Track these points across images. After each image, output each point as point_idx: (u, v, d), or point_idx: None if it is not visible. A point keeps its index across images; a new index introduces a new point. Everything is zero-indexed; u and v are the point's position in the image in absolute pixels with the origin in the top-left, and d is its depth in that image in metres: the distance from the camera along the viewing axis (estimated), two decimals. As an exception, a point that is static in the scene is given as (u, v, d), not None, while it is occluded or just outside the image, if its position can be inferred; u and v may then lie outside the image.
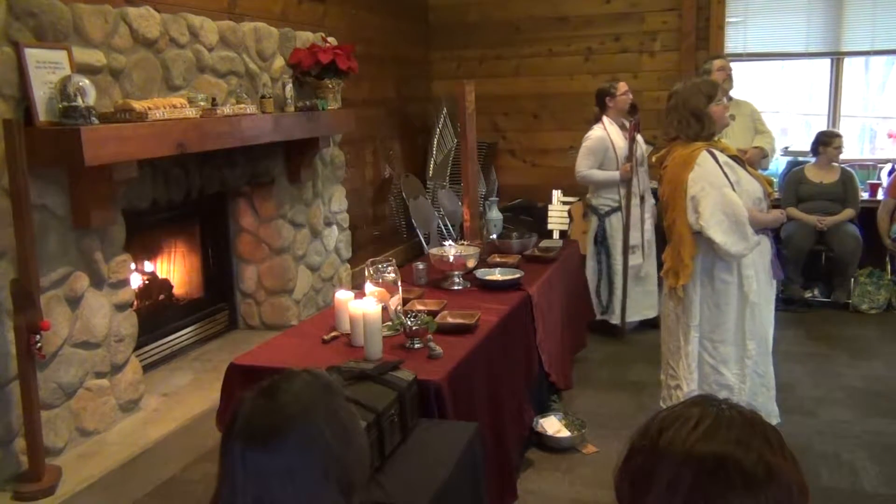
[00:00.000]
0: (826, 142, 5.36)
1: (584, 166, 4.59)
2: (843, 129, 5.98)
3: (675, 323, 3.08)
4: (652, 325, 4.47)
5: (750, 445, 0.89)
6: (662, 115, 3.17)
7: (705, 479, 0.88)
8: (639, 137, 4.65)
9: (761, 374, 3.09)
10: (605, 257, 4.65)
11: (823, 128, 5.91)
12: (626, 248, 4.53)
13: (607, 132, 4.57)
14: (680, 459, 0.90)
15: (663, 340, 3.24)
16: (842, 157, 5.60)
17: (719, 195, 2.85)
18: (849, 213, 5.28)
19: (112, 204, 3.08)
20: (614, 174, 4.51)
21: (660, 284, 4.61)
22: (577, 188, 6.11)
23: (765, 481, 0.88)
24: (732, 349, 3.03)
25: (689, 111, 2.96)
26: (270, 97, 3.92)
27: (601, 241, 4.65)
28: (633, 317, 4.70)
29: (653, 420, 0.97)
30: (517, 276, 3.42)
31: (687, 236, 2.93)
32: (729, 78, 4.73)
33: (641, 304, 4.70)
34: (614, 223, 4.62)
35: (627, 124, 4.57)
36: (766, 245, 3.06)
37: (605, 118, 4.63)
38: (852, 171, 5.48)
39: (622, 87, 4.64)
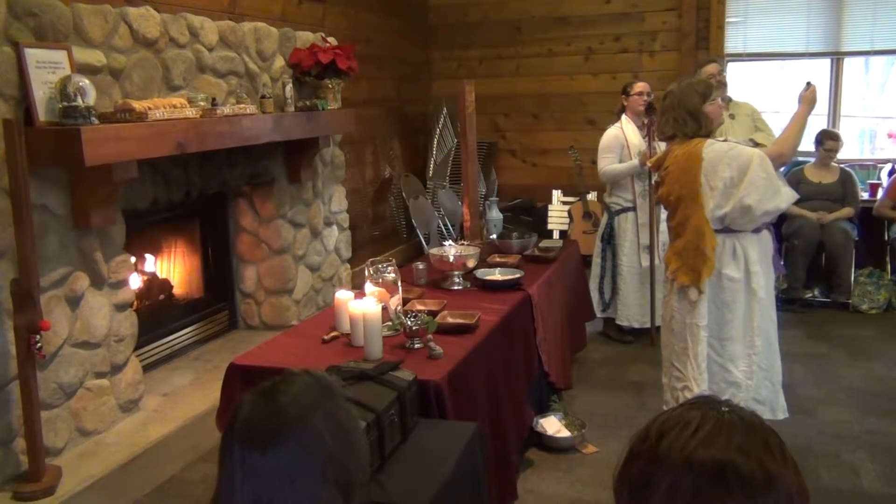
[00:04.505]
0: (820, 140, 5.39)
1: (604, 163, 4.55)
2: (843, 129, 5.98)
3: (681, 324, 3.07)
4: None
5: (750, 452, 0.89)
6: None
7: (705, 486, 0.88)
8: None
9: (765, 367, 3.08)
10: (611, 255, 4.63)
11: (823, 128, 5.91)
12: (653, 249, 4.48)
13: (623, 130, 4.55)
14: (679, 466, 0.89)
15: (664, 343, 3.22)
16: (842, 156, 5.61)
17: (744, 159, 2.86)
18: (848, 210, 5.28)
19: (112, 204, 3.08)
20: (634, 162, 4.43)
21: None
22: (576, 188, 6.14)
23: (764, 488, 0.88)
24: (740, 346, 3.03)
25: (686, 110, 2.97)
26: (270, 97, 3.92)
27: (608, 239, 4.63)
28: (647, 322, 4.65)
29: (652, 424, 0.96)
30: (517, 276, 3.42)
31: (706, 229, 2.93)
32: (721, 84, 4.66)
33: (658, 308, 4.64)
34: (622, 223, 4.60)
35: (646, 122, 4.53)
36: (768, 239, 3.07)
37: (624, 116, 4.61)
38: (851, 172, 5.48)
39: (638, 87, 4.57)
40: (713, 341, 3.05)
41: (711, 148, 2.92)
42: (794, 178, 5.41)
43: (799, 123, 3.03)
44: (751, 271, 2.98)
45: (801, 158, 5.70)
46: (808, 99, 3.04)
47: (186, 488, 3.08)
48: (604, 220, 4.73)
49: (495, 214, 4.49)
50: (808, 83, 3.06)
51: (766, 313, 3.05)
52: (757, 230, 3.01)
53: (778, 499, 0.88)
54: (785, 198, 2.90)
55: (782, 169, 5.73)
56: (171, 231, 4.10)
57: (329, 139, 4.65)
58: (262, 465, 1.09)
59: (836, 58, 6.07)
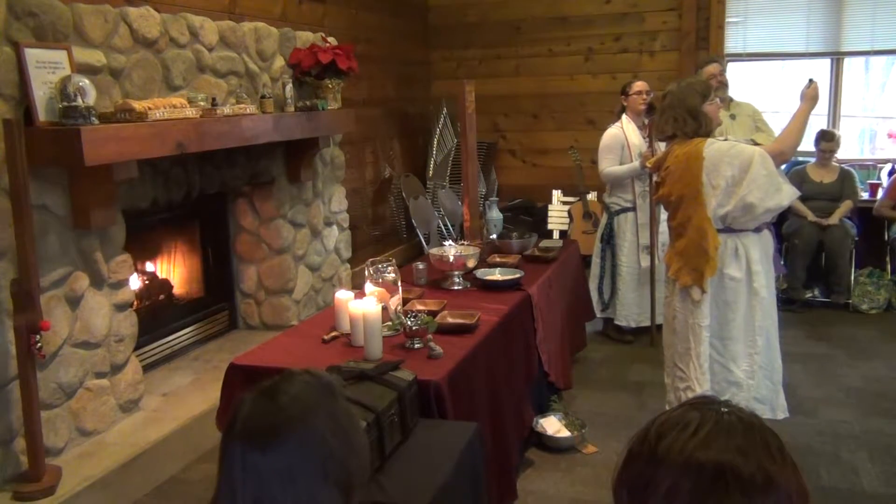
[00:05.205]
0: (817, 140, 5.41)
1: (605, 164, 4.54)
2: (842, 129, 5.99)
3: (684, 324, 3.07)
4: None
5: (749, 453, 0.89)
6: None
7: (704, 488, 0.87)
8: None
9: (764, 365, 3.08)
10: (610, 255, 4.64)
11: (824, 128, 5.92)
12: (654, 249, 4.48)
13: (623, 130, 4.55)
14: (679, 467, 0.89)
15: (667, 343, 3.23)
16: (842, 156, 5.61)
17: (746, 157, 2.86)
18: (847, 204, 5.28)
19: (112, 204, 3.09)
20: (635, 164, 4.44)
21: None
22: (576, 188, 6.14)
23: (764, 489, 0.87)
24: (741, 346, 3.03)
25: (686, 110, 2.98)
26: (270, 97, 3.92)
27: (608, 239, 4.64)
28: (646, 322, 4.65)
29: (651, 425, 0.96)
30: (517, 276, 3.42)
31: (709, 228, 2.94)
32: (722, 85, 4.63)
33: (657, 309, 4.63)
34: (621, 223, 4.60)
35: (647, 122, 4.52)
36: (769, 239, 3.07)
37: (624, 116, 4.61)
38: (851, 170, 5.49)
39: (637, 86, 4.58)
40: (715, 341, 3.05)
41: (712, 147, 2.92)
42: (798, 176, 5.41)
43: (800, 121, 3.03)
44: (752, 271, 2.98)
45: (800, 158, 5.70)
46: (809, 96, 3.04)
47: (186, 488, 3.08)
48: (603, 220, 4.74)
49: (495, 214, 4.49)
50: (811, 80, 3.06)
51: (767, 312, 3.05)
52: (758, 229, 3.01)
53: (777, 500, 0.88)
54: (787, 195, 2.90)
55: (783, 167, 5.76)
56: (171, 231, 4.10)
57: (329, 139, 4.65)
58: (263, 464, 1.09)
59: (836, 58, 6.07)
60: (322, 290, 4.78)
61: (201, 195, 3.89)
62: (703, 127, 2.98)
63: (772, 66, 6.43)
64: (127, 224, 3.27)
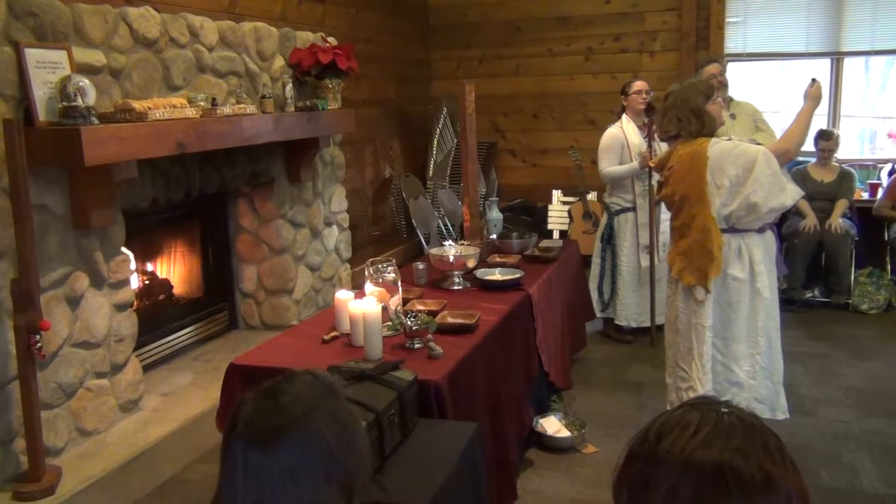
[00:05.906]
0: (816, 139, 5.42)
1: (605, 164, 4.55)
2: (842, 129, 5.98)
3: (686, 324, 3.07)
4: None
5: (749, 454, 0.89)
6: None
7: (704, 488, 0.88)
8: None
9: (764, 366, 3.09)
10: (610, 255, 4.64)
11: (823, 128, 5.92)
12: (653, 250, 4.48)
13: (623, 130, 4.55)
14: (679, 467, 0.89)
15: (669, 343, 3.22)
16: (842, 156, 5.62)
17: (750, 157, 2.86)
18: (842, 202, 5.28)
19: (112, 204, 3.08)
20: (634, 164, 4.44)
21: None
22: (576, 188, 6.14)
23: (763, 490, 0.87)
24: (743, 346, 3.03)
25: (689, 109, 2.98)
26: (270, 97, 3.92)
27: (608, 239, 4.64)
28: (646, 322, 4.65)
29: (651, 425, 0.96)
30: (517, 276, 3.42)
31: (713, 228, 2.94)
32: (722, 85, 4.61)
33: (657, 309, 4.63)
34: (622, 223, 4.60)
35: (646, 122, 4.52)
36: (772, 239, 3.07)
37: (624, 115, 4.62)
38: (851, 170, 5.49)
39: (637, 85, 4.58)
40: (717, 341, 3.05)
41: (717, 147, 2.93)
42: (800, 175, 5.41)
43: (804, 120, 3.03)
44: (756, 271, 2.98)
45: (801, 158, 5.70)
46: (813, 95, 3.05)
47: (186, 488, 3.08)
48: (604, 220, 4.74)
49: (495, 214, 4.48)
50: (813, 80, 3.07)
51: (769, 313, 3.05)
52: (761, 230, 3.02)
53: (777, 500, 0.88)
54: (790, 195, 2.90)
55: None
56: (171, 231, 4.10)
57: (329, 139, 4.64)
58: (265, 464, 1.09)
59: (836, 58, 6.07)
60: (322, 290, 4.78)
61: (201, 195, 3.89)
62: (706, 126, 2.99)
63: (772, 66, 6.43)
64: (127, 224, 3.27)
